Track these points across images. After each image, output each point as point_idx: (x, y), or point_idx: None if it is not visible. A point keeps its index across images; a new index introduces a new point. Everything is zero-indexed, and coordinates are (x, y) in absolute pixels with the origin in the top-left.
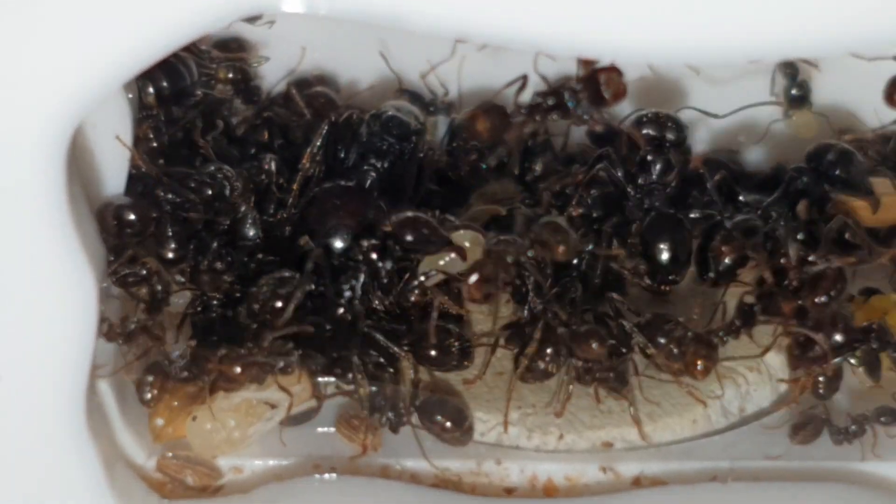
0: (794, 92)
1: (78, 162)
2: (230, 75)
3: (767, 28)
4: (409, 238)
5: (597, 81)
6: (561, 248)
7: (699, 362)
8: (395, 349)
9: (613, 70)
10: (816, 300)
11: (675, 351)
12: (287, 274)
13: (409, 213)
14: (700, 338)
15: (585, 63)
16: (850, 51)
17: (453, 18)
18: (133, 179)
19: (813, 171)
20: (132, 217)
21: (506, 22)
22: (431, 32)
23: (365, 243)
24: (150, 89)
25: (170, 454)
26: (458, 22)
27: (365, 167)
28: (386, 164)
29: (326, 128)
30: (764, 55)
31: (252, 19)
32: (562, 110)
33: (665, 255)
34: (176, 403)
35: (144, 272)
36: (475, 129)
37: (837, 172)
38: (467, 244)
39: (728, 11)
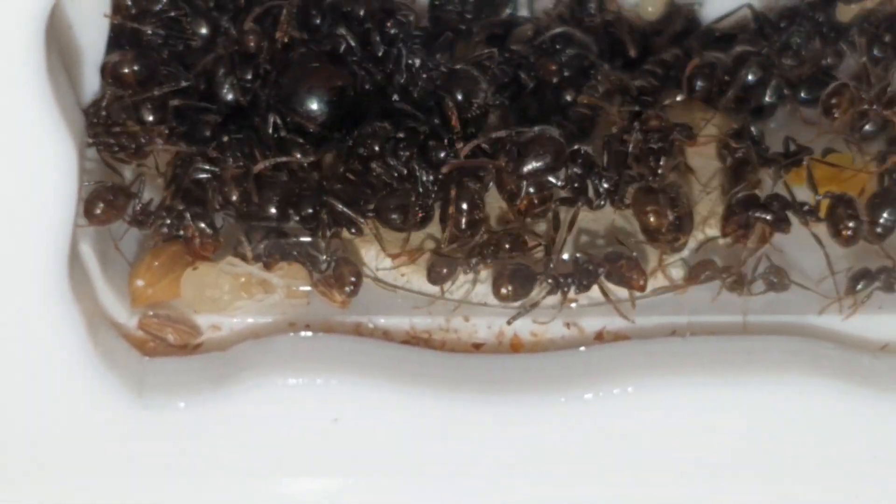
0: None
1: (57, 35)
2: None
3: None
4: None
5: None
6: None
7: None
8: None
9: None
10: None
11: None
12: None
13: None
14: (650, 189)
15: None
16: None
17: None
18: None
19: None
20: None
21: None
22: None
23: None
24: None
25: (150, 313)
26: None
27: (339, 33)
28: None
29: None
30: None
31: None
32: None
33: None
34: (157, 264)
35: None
36: None
37: None
38: None
39: None
